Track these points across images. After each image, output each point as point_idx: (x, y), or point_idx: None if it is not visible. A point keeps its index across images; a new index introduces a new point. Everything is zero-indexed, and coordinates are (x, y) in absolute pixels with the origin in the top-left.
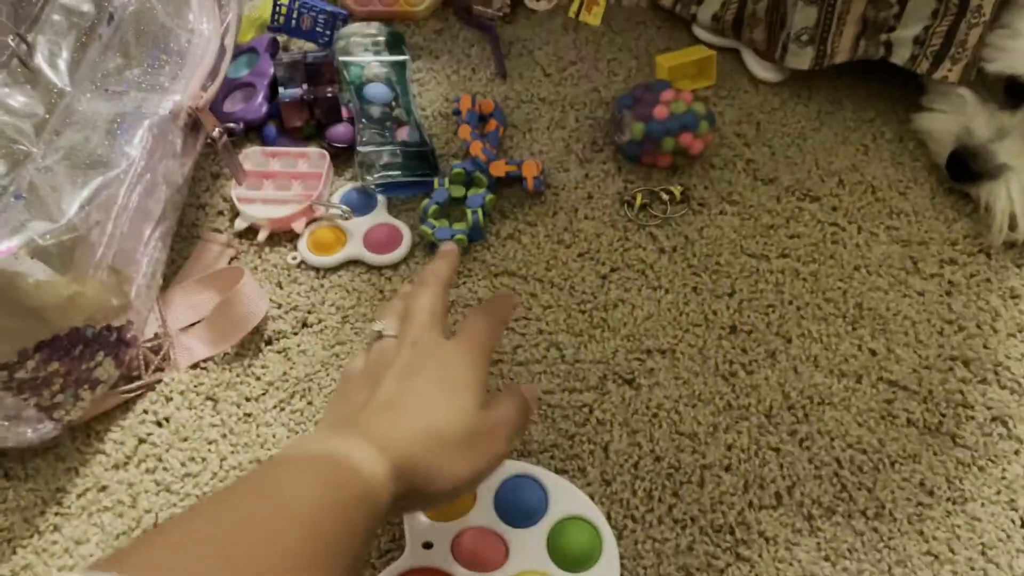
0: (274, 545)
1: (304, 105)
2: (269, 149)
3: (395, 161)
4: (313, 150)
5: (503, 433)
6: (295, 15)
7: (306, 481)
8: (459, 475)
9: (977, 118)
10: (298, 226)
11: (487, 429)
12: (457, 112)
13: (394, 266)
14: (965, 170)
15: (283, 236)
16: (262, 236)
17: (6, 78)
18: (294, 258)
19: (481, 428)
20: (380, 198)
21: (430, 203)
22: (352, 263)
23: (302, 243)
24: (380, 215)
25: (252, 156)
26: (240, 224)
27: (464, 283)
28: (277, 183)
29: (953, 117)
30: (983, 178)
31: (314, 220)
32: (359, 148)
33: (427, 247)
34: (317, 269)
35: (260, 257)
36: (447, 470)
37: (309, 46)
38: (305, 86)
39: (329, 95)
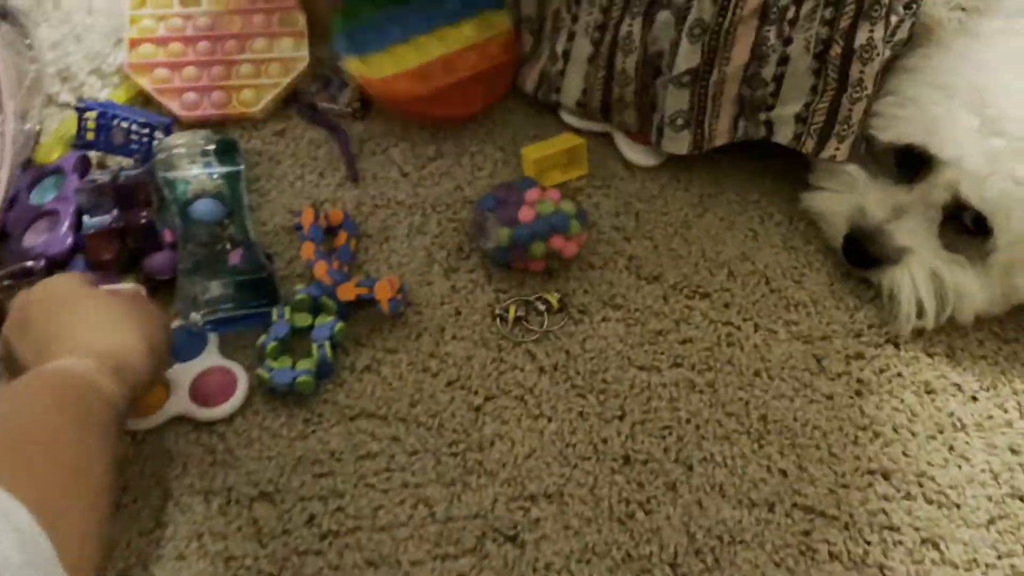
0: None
1: (114, 234)
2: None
3: (226, 293)
4: (127, 287)
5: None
6: (106, 128)
7: (45, 379)
8: (139, 343)
9: (870, 196)
10: None
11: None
12: (299, 227)
13: (228, 420)
14: (863, 255)
15: None
16: None
17: None
18: None
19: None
20: (211, 336)
21: (268, 339)
22: (177, 421)
23: None
24: (210, 358)
25: None
26: None
27: (313, 432)
28: None
29: (844, 196)
30: (883, 263)
31: None
32: (181, 279)
33: (266, 393)
34: (134, 433)
35: None
36: (132, 344)
37: (127, 162)
38: (115, 212)
39: (143, 221)
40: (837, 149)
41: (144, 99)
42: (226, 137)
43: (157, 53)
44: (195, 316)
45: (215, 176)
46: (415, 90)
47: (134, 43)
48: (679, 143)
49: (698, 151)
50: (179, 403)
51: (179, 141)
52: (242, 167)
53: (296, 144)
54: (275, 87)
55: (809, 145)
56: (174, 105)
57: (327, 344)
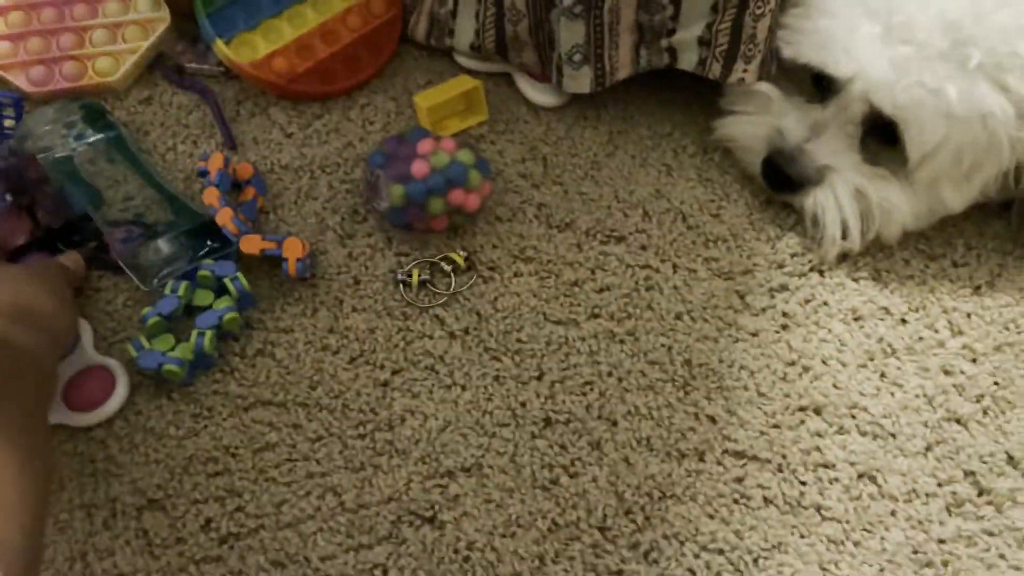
0: None
1: (22, 214)
2: None
3: (175, 247)
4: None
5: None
6: None
7: None
8: (36, 286)
9: (787, 116)
10: None
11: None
12: (204, 173)
13: (108, 424)
14: (783, 178)
15: None
16: None
17: None
18: None
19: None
20: (83, 330)
21: (151, 313)
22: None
23: None
24: (83, 357)
25: None
26: None
27: (204, 427)
28: None
29: (760, 119)
30: (804, 185)
31: None
32: (127, 259)
33: (156, 385)
34: None
35: None
36: (30, 290)
37: None
38: (8, 197)
39: (49, 190)
40: (745, 71)
41: None
42: (88, 102)
43: None
44: (156, 283)
45: (97, 144)
46: (294, 67)
47: None
48: (580, 81)
49: (601, 87)
50: (52, 411)
51: (43, 118)
52: (121, 130)
53: (165, 112)
54: (134, 52)
55: (716, 69)
56: (21, 81)
57: (209, 333)
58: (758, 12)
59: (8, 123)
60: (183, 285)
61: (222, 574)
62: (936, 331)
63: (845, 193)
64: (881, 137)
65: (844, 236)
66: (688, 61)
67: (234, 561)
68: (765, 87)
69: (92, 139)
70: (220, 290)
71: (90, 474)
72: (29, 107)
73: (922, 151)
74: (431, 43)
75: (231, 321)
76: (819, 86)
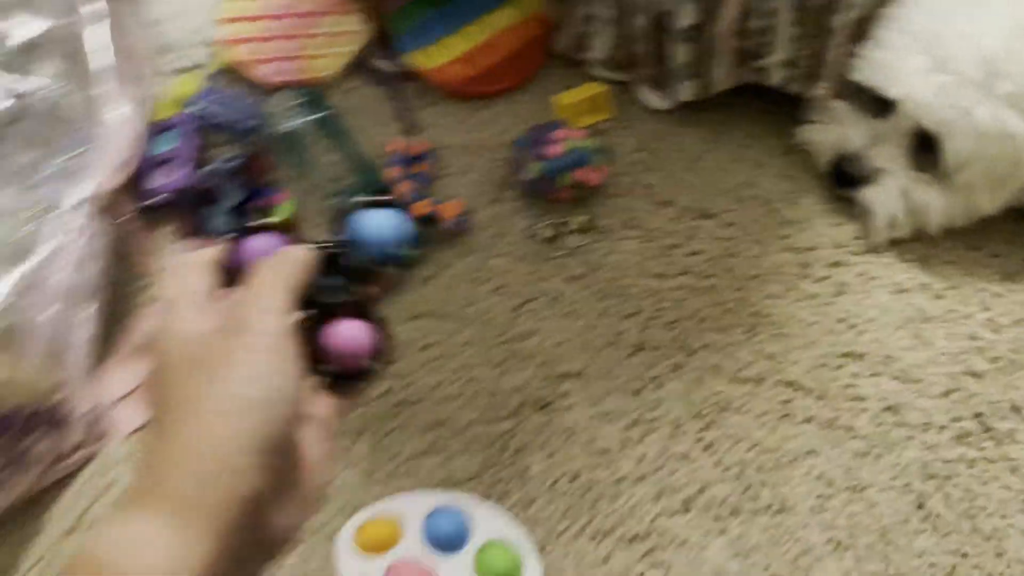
0: None
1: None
2: (200, 243)
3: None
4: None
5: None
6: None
7: None
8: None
9: (853, 127)
10: None
11: None
12: (390, 154)
13: None
14: (845, 176)
15: None
16: None
17: None
18: None
19: None
20: None
21: None
22: None
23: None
24: None
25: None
26: None
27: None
28: None
29: (831, 128)
30: (861, 183)
31: None
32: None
33: None
34: None
35: None
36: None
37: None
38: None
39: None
40: (822, 89)
41: (235, 69)
42: (309, 90)
43: (247, 30)
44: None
45: (312, 121)
46: (465, 72)
47: (228, 21)
48: (686, 91)
49: (703, 96)
50: None
51: (278, 105)
52: (332, 110)
53: (364, 101)
54: (344, 55)
55: (797, 87)
56: (261, 73)
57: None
58: (834, 44)
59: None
60: None
61: (394, 427)
62: (967, 306)
63: (893, 192)
64: (927, 149)
65: (892, 226)
66: (776, 78)
67: (404, 419)
68: (837, 103)
69: (311, 118)
70: None
71: None
72: (266, 95)
73: (956, 161)
74: (572, 55)
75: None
76: (879, 105)
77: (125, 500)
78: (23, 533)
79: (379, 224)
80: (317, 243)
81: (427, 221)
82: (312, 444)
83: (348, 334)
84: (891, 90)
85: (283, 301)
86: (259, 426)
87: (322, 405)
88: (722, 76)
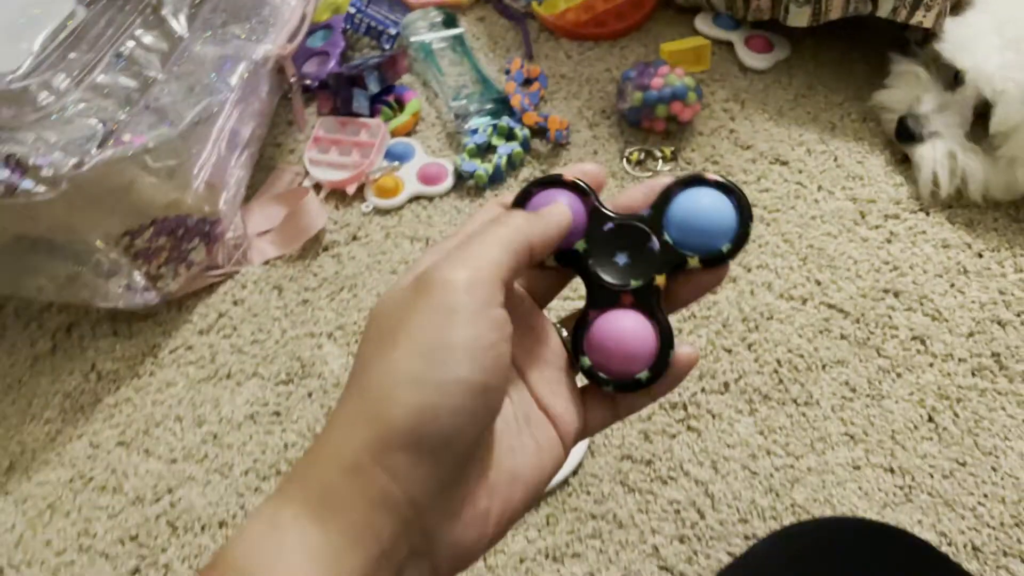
0: None
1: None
2: (341, 118)
3: (487, 109)
4: (373, 121)
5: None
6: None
7: None
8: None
9: (926, 93)
10: (350, 189)
11: None
12: (507, 71)
13: (441, 196)
14: (907, 132)
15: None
16: (322, 195)
17: (141, 22)
18: (366, 206)
19: None
20: (417, 145)
21: (469, 142)
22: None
23: (369, 194)
24: (421, 158)
25: (325, 123)
26: (307, 183)
27: None
28: (341, 149)
29: (906, 91)
30: (918, 140)
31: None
32: (451, 103)
33: (461, 186)
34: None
35: (337, 209)
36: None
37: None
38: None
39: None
40: (924, 16)
41: None
42: (446, 11)
43: None
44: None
45: (446, 38)
46: (581, 18)
47: None
48: (801, 16)
49: (816, 23)
50: (413, 186)
51: (416, 16)
52: (463, 30)
53: (491, 27)
54: None
55: (903, 14)
56: None
57: (505, 157)
58: None
59: (402, 21)
60: (489, 129)
61: None
62: (1002, 266)
63: (941, 152)
64: (985, 124)
65: (936, 184)
66: (885, 9)
67: None
68: (919, 70)
69: (446, 34)
70: (510, 137)
71: (418, 222)
72: (409, 10)
73: (1000, 128)
74: (688, 2)
75: (517, 155)
76: (952, 77)
77: (279, 487)
78: (170, 324)
79: (705, 208)
80: (617, 215)
81: (535, 132)
82: (518, 450)
83: (624, 330)
84: (962, 62)
85: (491, 262)
86: (419, 414)
87: (561, 406)
88: (836, 5)
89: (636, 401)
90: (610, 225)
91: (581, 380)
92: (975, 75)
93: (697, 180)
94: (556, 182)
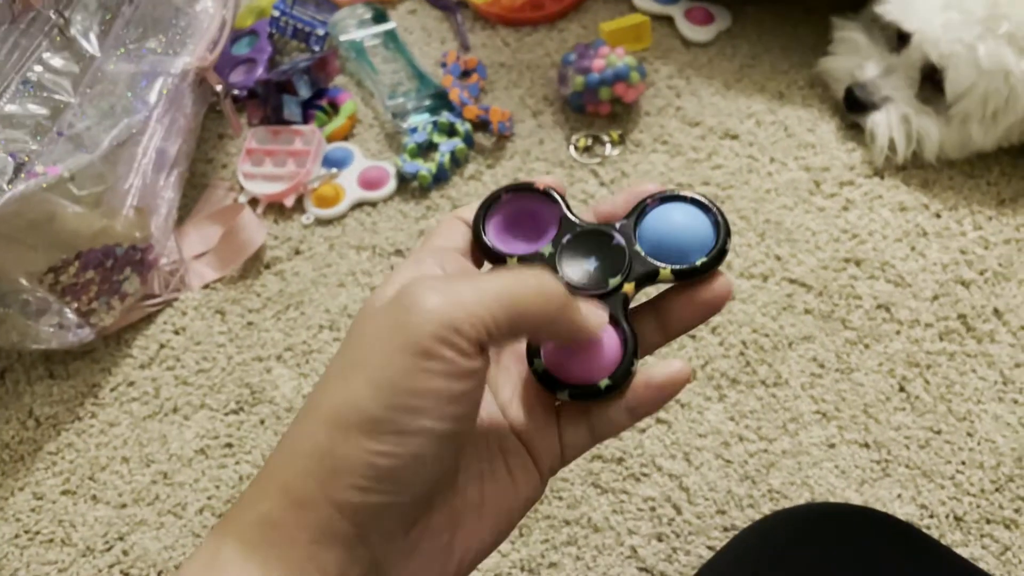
0: None
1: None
2: (273, 127)
3: (420, 104)
4: (307, 128)
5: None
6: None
7: None
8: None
9: (869, 58)
10: (288, 202)
11: None
12: (443, 64)
13: (383, 202)
14: (856, 102)
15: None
16: (260, 209)
17: (48, 44)
18: (307, 218)
19: None
20: (355, 149)
21: (409, 141)
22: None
23: (308, 205)
24: (360, 163)
25: (257, 134)
26: (243, 198)
27: (433, 215)
28: (275, 159)
29: (850, 58)
30: (868, 108)
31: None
32: (388, 108)
33: (404, 188)
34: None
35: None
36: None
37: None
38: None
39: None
40: None
41: None
42: (375, 7)
43: None
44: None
45: (378, 35)
46: (516, 2)
47: None
48: None
49: None
50: (355, 193)
51: (345, 14)
52: (394, 25)
53: (424, 20)
54: None
55: None
56: None
57: (448, 155)
58: None
59: (330, 21)
60: (429, 127)
61: None
62: (961, 225)
63: (895, 118)
64: (932, 84)
65: (892, 150)
66: None
67: None
68: (859, 35)
69: (376, 31)
70: (452, 133)
71: (363, 230)
72: (336, 8)
73: (956, 91)
74: None
75: (460, 151)
76: (895, 39)
77: (223, 519)
78: (108, 360)
79: (682, 221)
80: (586, 224)
81: (477, 126)
82: (488, 477)
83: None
84: (907, 23)
85: (488, 312)
86: (375, 458)
87: (535, 429)
88: None
89: (613, 421)
90: (579, 231)
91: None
92: (920, 39)
93: (676, 196)
94: (527, 189)
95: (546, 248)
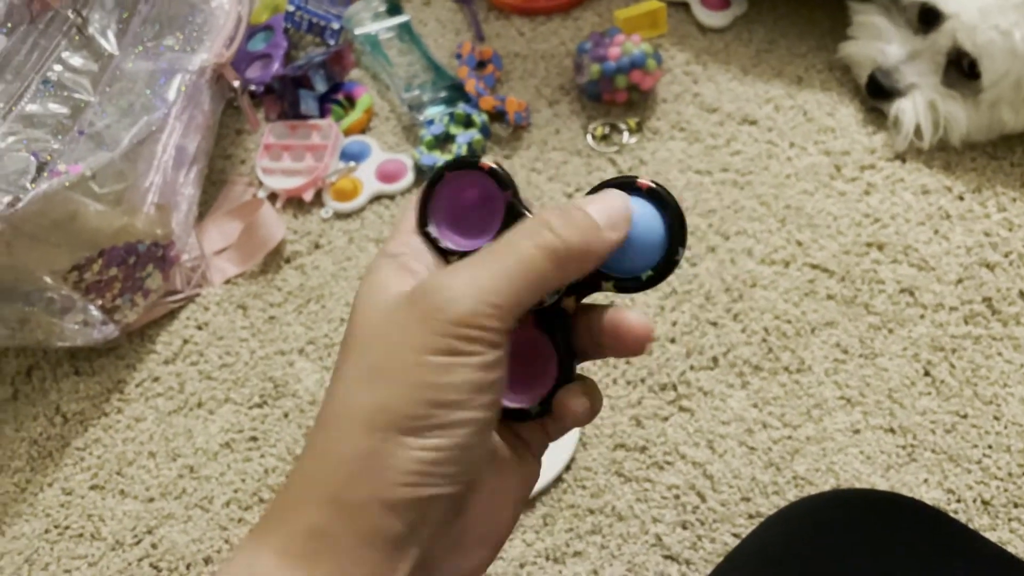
0: None
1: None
2: (290, 122)
3: (446, 95)
4: (324, 122)
5: None
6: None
7: None
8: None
9: (892, 43)
10: (307, 196)
11: None
12: (458, 56)
13: (403, 194)
14: (879, 88)
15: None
16: (279, 204)
17: (67, 43)
18: (326, 212)
19: None
20: (373, 143)
21: (427, 134)
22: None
23: (327, 199)
24: (378, 156)
25: (275, 129)
26: (262, 193)
27: None
28: (293, 154)
29: (872, 43)
30: (893, 95)
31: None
32: (404, 95)
33: (427, 175)
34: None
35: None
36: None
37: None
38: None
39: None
40: None
41: None
42: (391, 0)
43: None
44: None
45: (392, 28)
46: None
47: None
48: None
49: None
50: (372, 186)
51: (359, 7)
52: (409, 17)
53: (438, 11)
54: None
55: None
56: None
57: (465, 147)
58: None
59: (344, 14)
60: (446, 118)
61: None
62: (984, 207)
63: (921, 104)
64: (959, 68)
65: (918, 136)
66: None
67: None
68: (880, 20)
69: (390, 24)
70: (468, 124)
71: (380, 223)
72: (350, 2)
73: (991, 79)
74: None
75: (477, 142)
76: (924, 21)
77: (259, 524)
78: (133, 357)
79: (632, 223)
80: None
81: (493, 116)
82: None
83: (516, 355)
84: (945, 5)
85: (504, 293)
86: (423, 459)
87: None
88: None
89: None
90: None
91: None
92: (955, 25)
93: (631, 186)
94: (469, 165)
95: (487, 246)
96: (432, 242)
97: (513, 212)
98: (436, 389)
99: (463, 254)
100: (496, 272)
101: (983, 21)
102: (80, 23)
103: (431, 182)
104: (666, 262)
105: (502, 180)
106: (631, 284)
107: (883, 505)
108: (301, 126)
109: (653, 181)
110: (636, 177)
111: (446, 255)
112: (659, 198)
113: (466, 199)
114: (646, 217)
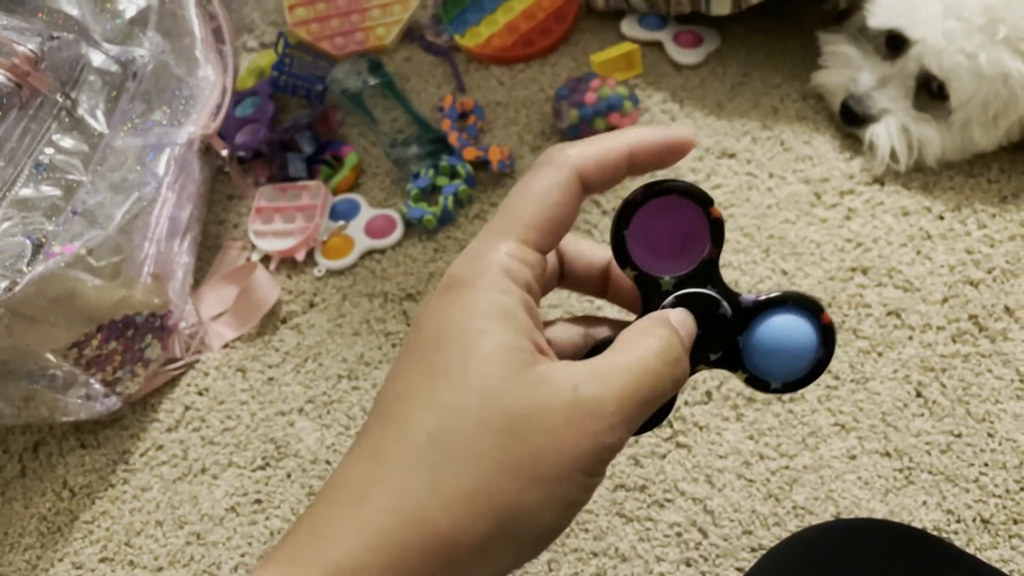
0: None
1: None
2: (280, 184)
3: (421, 151)
4: (312, 183)
5: None
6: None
7: None
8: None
9: (862, 70)
10: (300, 256)
11: None
12: (441, 109)
13: (385, 250)
14: (853, 115)
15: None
16: (272, 266)
17: (57, 126)
18: (319, 271)
19: None
20: (361, 200)
21: (412, 187)
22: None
23: (319, 257)
24: (367, 212)
25: (265, 192)
26: (255, 256)
27: (441, 257)
28: (284, 216)
29: (842, 71)
30: (867, 121)
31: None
32: (394, 157)
33: (411, 232)
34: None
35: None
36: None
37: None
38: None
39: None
40: None
41: (305, 44)
42: (371, 57)
43: (309, 13)
44: (422, 170)
45: (373, 84)
46: (505, 42)
47: (292, 7)
48: (722, 5)
49: (739, 9)
50: (364, 243)
51: (342, 72)
52: (391, 74)
53: (419, 67)
54: (399, 21)
55: None
56: (327, 47)
57: (451, 197)
58: None
59: (328, 76)
60: (431, 171)
61: None
62: (965, 225)
63: (895, 129)
64: (928, 91)
65: (893, 159)
66: None
67: None
68: (849, 49)
69: (373, 82)
70: (453, 175)
71: (374, 277)
72: (333, 63)
73: (960, 101)
74: (609, 5)
75: (463, 192)
76: (891, 47)
77: (278, 549)
78: (137, 427)
79: (785, 337)
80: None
81: (478, 165)
82: None
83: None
84: (911, 31)
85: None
86: (501, 517)
87: None
88: None
89: None
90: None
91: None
92: (921, 50)
93: (815, 310)
94: (662, 191)
95: (667, 280)
96: (637, 272)
97: (719, 228)
98: (577, 505)
99: (678, 282)
100: (622, 392)
101: (949, 45)
102: (69, 105)
103: (621, 218)
104: (795, 383)
105: (700, 199)
106: (759, 385)
107: (884, 536)
108: (291, 188)
109: (807, 294)
110: (822, 308)
111: (645, 283)
112: (830, 334)
113: (660, 224)
114: (801, 328)
